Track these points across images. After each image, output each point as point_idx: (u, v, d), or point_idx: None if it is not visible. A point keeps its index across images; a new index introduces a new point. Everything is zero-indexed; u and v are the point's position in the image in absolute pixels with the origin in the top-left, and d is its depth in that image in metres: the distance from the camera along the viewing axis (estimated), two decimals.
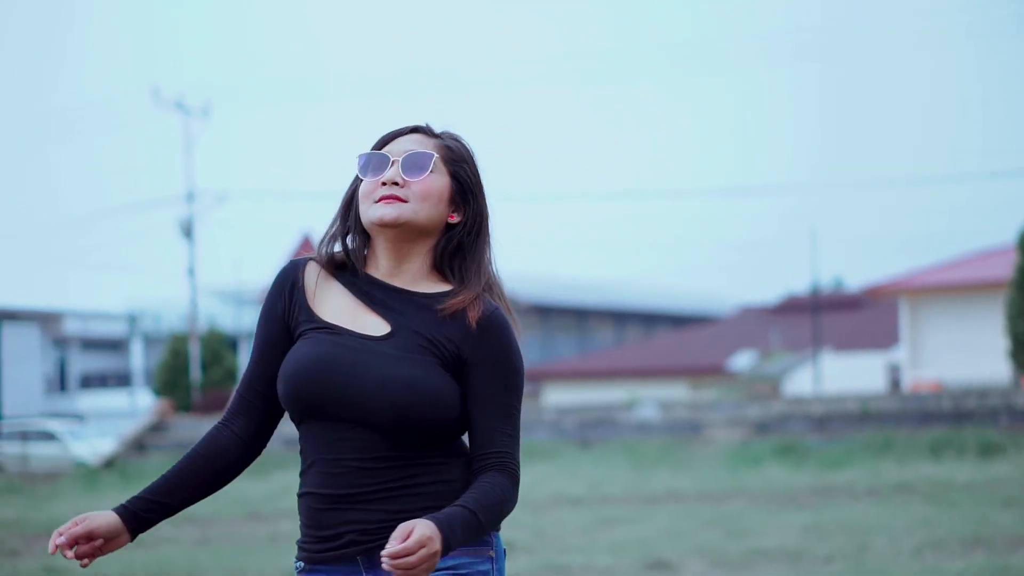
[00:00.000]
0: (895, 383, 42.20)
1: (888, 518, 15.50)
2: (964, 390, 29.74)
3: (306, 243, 63.22)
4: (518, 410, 3.43)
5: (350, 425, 3.31)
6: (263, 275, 66.98)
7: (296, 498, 3.44)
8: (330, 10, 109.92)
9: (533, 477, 24.05)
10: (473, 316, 3.38)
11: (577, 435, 29.98)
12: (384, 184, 3.37)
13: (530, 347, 66.48)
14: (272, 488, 24.63)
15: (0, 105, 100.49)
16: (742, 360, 49.04)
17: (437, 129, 3.52)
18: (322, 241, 3.48)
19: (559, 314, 69.54)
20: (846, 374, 43.12)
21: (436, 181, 3.41)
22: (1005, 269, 36.84)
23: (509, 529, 15.95)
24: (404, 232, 3.39)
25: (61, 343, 62.52)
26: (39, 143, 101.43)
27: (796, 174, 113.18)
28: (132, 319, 62.26)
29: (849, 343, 49.75)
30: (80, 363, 63.31)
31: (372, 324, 3.38)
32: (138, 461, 30.83)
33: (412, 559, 3.08)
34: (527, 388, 55.22)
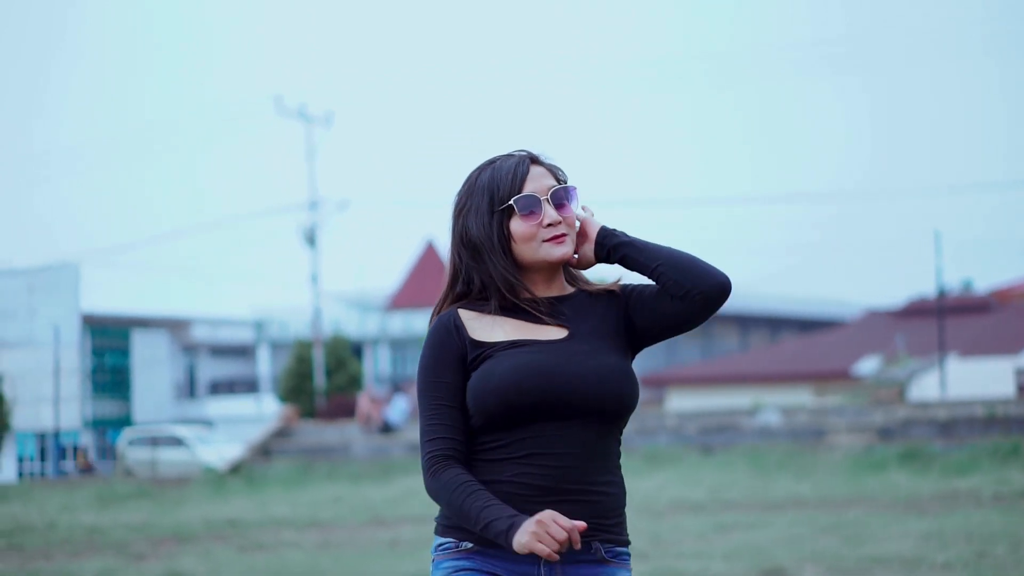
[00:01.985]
0: (1023, 388, 41.45)
1: (1012, 526, 15.28)
2: None
3: (430, 250, 63.67)
4: None
5: (568, 422, 3.59)
6: (387, 281, 67.46)
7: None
8: (444, 18, 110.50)
9: (653, 483, 24.01)
10: (614, 287, 3.80)
11: (699, 441, 29.87)
12: (550, 226, 3.67)
13: (653, 352, 66.28)
14: (394, 493, 24.82)
15: (127, 112, 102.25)
16: (867, 365, 48.45)
17: (533, 152, 3.79)
18: (458, 294, 3.75)
19: None
20: (973, 379, 42.45)
21: (576, 208, 3.75)
22: None
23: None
24: (570, 260, 3.75)
25: (190, 350, 63.42)
26: (165, 151, 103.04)
27: (921, 176, 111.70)
28: (259, 326, 63.01)
29: (976, 347, 49.00)
30: (209, 369, 64.17)
31: (549, 332, 3.68)
32: (263, 467, 31.21)
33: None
34: (650, 394, 55.09)
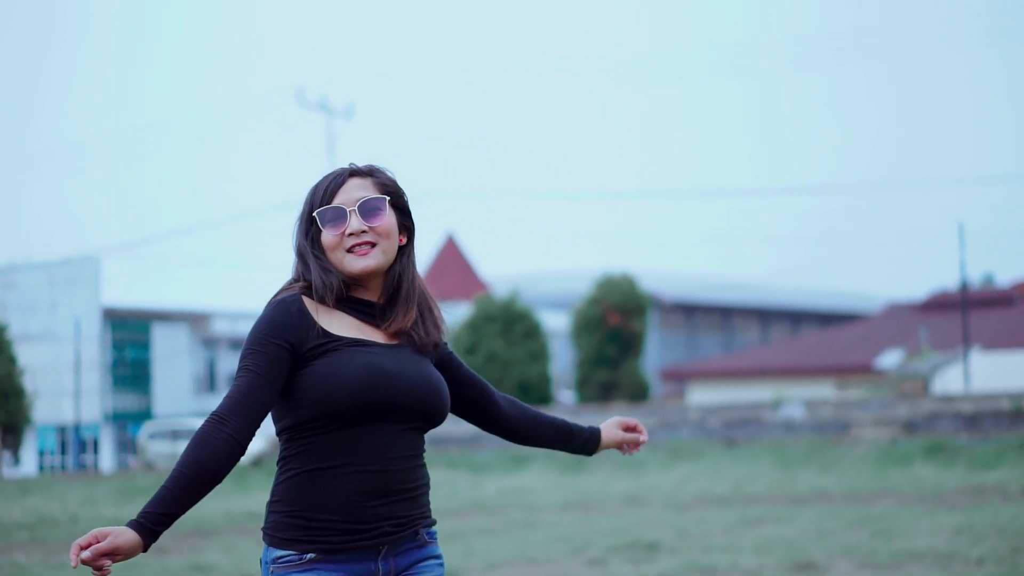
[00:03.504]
0: None
1: None
2: None
3: (450, 243, 63.58)
4: None
5: (402, 425, 3.77)
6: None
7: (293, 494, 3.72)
8: (464, 9, 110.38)
9: (677, 477, 23.89)
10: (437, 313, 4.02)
11: (722, 434, 29.73)
12: (352, 235, 3.82)
13: (674, 346, 66.13)
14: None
15: (146, 105, 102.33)
16: (890, 358, 48.26)
17: (360, 165, 3.96)
18: (301, 284, 3.87)
19: (704, 313, 69.07)
20: (997, 373, 42.25)
21: (390, 219, 3.87)
22: None
23: (652, 529, 15.82)
24: (378, 273, 3.87)
25: (210, 343, 63.42)
26: (186, 144, 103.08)
27: (941, 167, 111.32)
28: None
29: (1000, 341, 48.76)
30: (228, 362, 64.17)
31: (376, 334, 3.85)
32: None
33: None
34: (672, 387, 54.91)
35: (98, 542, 3.45)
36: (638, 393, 35.82)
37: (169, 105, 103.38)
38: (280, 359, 3.71)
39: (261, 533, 3.89)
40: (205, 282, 61.29)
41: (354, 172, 3.93)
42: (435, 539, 3.93)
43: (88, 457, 56.52)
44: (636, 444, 4.47)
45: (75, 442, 53.38)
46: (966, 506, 17.78)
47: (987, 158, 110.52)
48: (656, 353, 60.83)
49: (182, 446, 40.87)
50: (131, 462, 51.47)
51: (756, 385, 48.96)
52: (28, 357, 40.74)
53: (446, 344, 4.08)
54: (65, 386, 49.50)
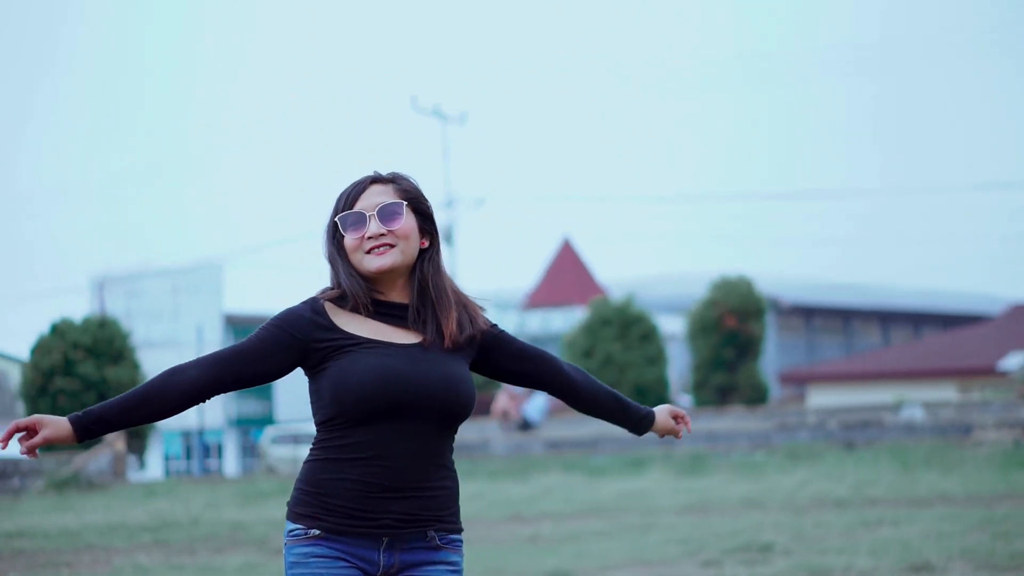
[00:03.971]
0: None
1: None
2: None
3: (566, 247, 63.59)
4: None
5: (415, 425, 3.98)
6: (522, 280, 67.45)
7: (320, 475, 4.03)
8: (576, 14, 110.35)
9: (795, 479, 23.71)
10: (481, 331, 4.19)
11: (841, 437, 29.49)
12: (370, 238, 4.05)
13: (793, 349, 65.62)
14: (534, 490, 24.76)
15: (269, 113, 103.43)
16: (1014, 360, 47.56)
17: (384, 173, 4.18)
18: (330, 289, 4.13)
19: (823, 316, 68.46)
20: None
21: (409, 222, 4.09)
22: None
23: (768, 531, 15.73)
24: (397, 272, 4.08)
25: None
26: (306, 149, 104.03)
27: None
28: None
29: None
30: None
31: (401, 336, 4.06)
32: None
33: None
34: (791, 390, 54.50)
35: (35, 431, 3.90)
36: (756, 396, 35.63)
37: (286, 112, 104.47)
38: (279, 344, 4.04)
39: None
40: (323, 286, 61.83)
41: (376, 179, 4.18)
42: (454, 547, 4.11)
43: (212, 462, 57.27)
44: (677, 433, 4.56)
45: (199, 447, 54.10)
46: None
47: None
48: (774, 356, 60.36)
49: (303, 450, 41.25)
50: (255, 467, 52.05)
51: (876, 388, 48.45)
52: (152, 364, 41.38)
53: (494, 326, 4.25)
54: None
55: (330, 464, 4.02)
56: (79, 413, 3.98)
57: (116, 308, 51.09)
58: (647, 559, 13.72)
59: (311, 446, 4.13)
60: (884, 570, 11.55)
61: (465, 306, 4.18)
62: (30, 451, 3.92)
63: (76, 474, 30.96)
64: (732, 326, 34.86)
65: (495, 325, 4.26)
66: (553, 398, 37.10)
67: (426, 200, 4.22)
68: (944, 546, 13.09)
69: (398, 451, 3.98)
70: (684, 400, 42.36)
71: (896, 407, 29.93)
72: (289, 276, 61.62)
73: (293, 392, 59.92)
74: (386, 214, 4.08)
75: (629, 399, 4.49)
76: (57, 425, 3.94)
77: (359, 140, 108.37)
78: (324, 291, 4.14)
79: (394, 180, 4.17)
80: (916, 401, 30.78)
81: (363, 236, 4.07)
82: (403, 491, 3.99)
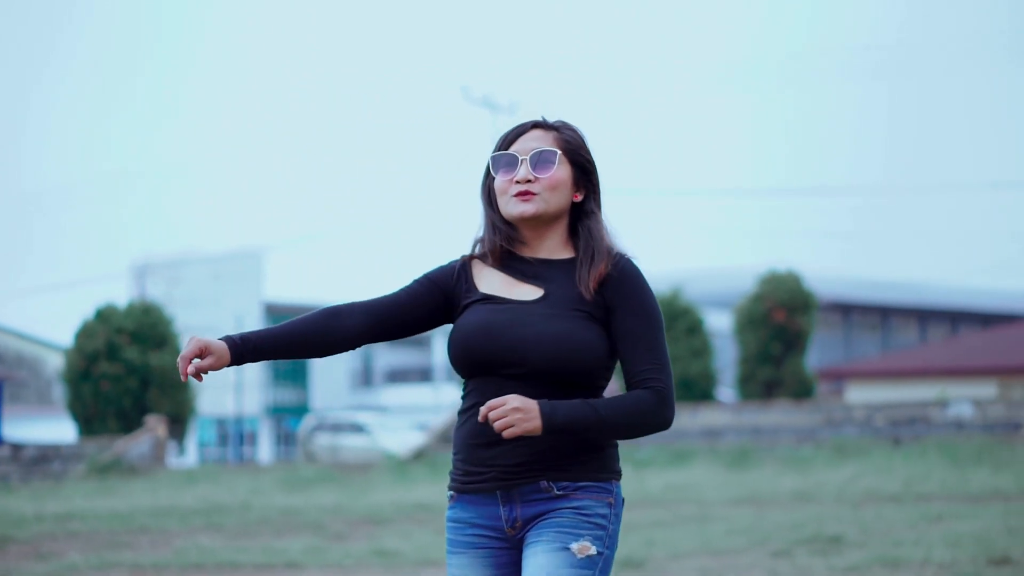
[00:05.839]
0: None
1: None
2: None
3: None
4: (663, 342, 4.02)
5: (510, 377, 3.93)
6: None
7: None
8: (623, 9, 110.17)
9: (845, 474, 23.58)
10: (608, 268, 4.00)
11: (888, 433, 29.32)
12: (518, 182, 3.99)
13: (830, 345, 65.40)
14: None
15: (315, 103, 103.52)
16: None
17: (551, 120, 4.11)
18: (479, 241, 4.13)
19: (861, 312, 68.21)
20: None
21: (561, 172, 4.02)
22: None
23: (831, 523, 15.61)
24: (541, 220, 4.02)
25: None
26: (352, 139, 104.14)
27: None
28: None
29: None
30: (385, 357, 64.71)
31: (526, 292, 4.00)
32: (446, 453, 31.27)
33: (503, 409, 3.81)
34: (829, 387, 54.32)
35: (199, 355, 3.95)
36: (802, 391, 35.48)
37: (333, 103, 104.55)
38: (429, 293, 4.10)
39: (443, 520, 4.25)
40: (365, 277, 61.85)
41: (537, 124, 4.10)
42: (585, 492, 3.94)
43: (247, 449, 57.35)
44: None
45: (235, 434, 54.23)
46: None
47: None
48: (812, 352, 60.16)
49: (343, 439, 41.32)
50: (293, 454, 52.13)
51: (916, 385, 48.17)
52: None
53: (621, 283, 4.00)
54: (227, 380, 50.24)
55: (458, 421, 4.09)
56: (236, 338, 4.03)
57: (156, 295, 51.18)
58: (716, 548, 13.62)
59: None
60: (964, 563, 11.43)
61: (595, 263, 4.02)
62: (197, 374, 3.97)
63: (117, 459, 31.02)
64: (780, 320, 34.74)
65: (621, 283, 4.01)
66: None
67: (588, 153, 4.10)
68: (1018, 540, 12.97)
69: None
70: (727, 395, 42.26)
71: (943, 403, 29.73)
72: (329, 266, 61.46)
73: (329, 381, 59.98)
74: (538, 160, 4.01)
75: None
76: (219, 352, 3.98)
77: (407, 130, 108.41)
78: (474, 246, 4.16)
79: (557, 128, 4.09)
80: (964, 397, 30.57)
81: (511, 179, 4.02)
82: (504, 441, 3.93)
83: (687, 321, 34.94)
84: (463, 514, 4.04)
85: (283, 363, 58.27)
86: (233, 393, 49.08)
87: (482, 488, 3.99)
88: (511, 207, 4.01)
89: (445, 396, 56.75)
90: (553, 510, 3.94)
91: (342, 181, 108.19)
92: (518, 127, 4.10)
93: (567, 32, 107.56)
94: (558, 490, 3.93)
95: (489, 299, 4.02)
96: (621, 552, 13.16)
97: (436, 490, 23.92)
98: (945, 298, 72.14)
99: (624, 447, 19.87)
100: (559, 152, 4.02)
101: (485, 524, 4.02)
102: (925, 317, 72.13)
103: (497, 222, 4.06)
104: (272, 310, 55.64)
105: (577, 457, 3.95)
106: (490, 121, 38.59)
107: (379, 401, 61.40)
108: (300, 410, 57.66)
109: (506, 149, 4.05)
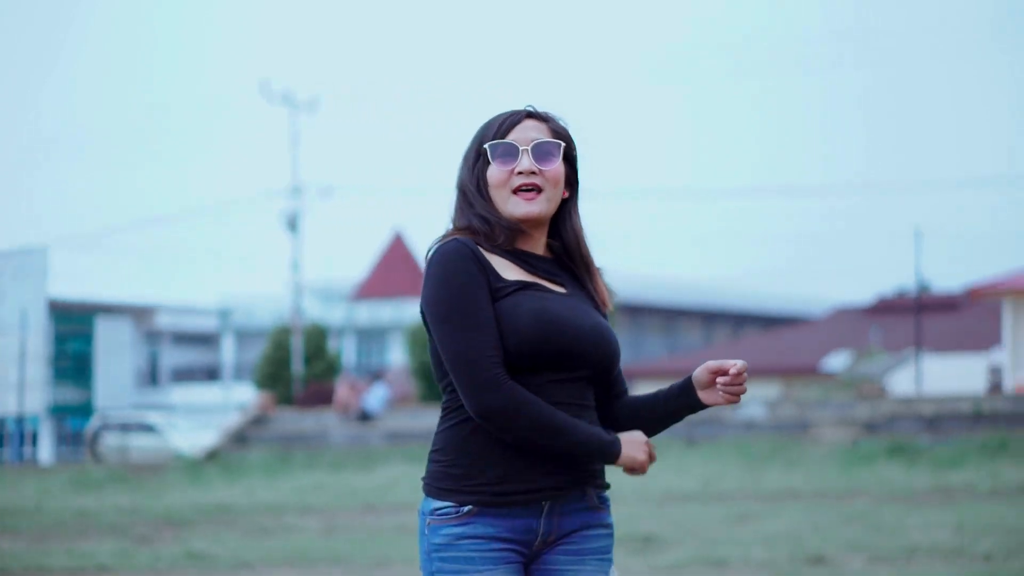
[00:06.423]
0: (996, 385, 41.60)
1: None
2: None
3: (398, 240, 63.36)
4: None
5: (570, 374, 3.64)
6: (353, 271, 67.08)
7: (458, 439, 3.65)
8: (432, 3, 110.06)
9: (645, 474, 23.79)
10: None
11: (682, 432, 29.76)
12: (520, 174, 3.69)
13: (620, 346, 66.22)
14: (378, 481, 24.62)
15: (108, 99, 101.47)
16: (837, 361, 48.60)
17: (540, 110, 3.82)
18: (465, 228, 3.74)
19: (648, 313, 69.28)
20: (945, 376, 42.60)
21: (559, 166, 3.74)
22: None
23: (641, 522, 15.78)
24: (541, 220, 3.73)
25: (153, 337, 62.96)
26: (137, 137, 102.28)
27: (898, 172, 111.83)
28: (224, 314, 62.60)
29: (946, 344, 49.21)
30: (171, 357, 63.75)
31: (549, 284, 3.71)
32: (240, 454, 30.90)
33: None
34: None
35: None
36: None
37: (120, 99, 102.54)
38: (490, 307, 3.63)
39: (422, 485, 3.73)
40: (151, 276, 60.91)
41: (531, 114, 3.80)
42: (607, 505, 3.77)
43: (28, 449, 55.97)
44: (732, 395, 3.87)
45: (16, 434, 52.81)
46: (940, 504, 17.86)
47: (944, 163, 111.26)
48: None
49: (133, 440, 40.57)
50: (77, 455, 51.03)
51: None
52: None
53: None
54: (9, 378, 49.02)
55: (477, 425, 3.62)
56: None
57: None
58: None
59: (444, 409, 3.72)
60: (782, 562, 11.64)
61: (597, 274, 3.85)
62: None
63: None
64: None
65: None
66: (393, 389, 36.77)
67: (575, 150, 3.84)
68: (829, 539, 13.25)
69: (559, 399, 3.63)
70: None
71: (736, 403, 30.29)
72: (113, 263, 60.40)
73: (113, 380, 58.83)
74: (541, 152, 3.73)
75: (659, 392, 3.93)
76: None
77: (202, 124, 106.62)
78: (451, 232, 3.76)
79: (548, 120, 3.81)
80: (755, 398, 31.21)
81: (512, 170, 3.71)
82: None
83: None
84: (486, 530, 3.61)
85: (64, 360, 57.00)
86: (15, 392, 47.82)
87: (528, 500, 3.63)
88: (515, 206, 3.70)
89: (235, 396, 56.08)
90: (589, 526, 3.70)
91: (129, 178, 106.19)
92: (510, 115, 3.78)
93: (374, 24, 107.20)
94: (597, 500, 3.72)
95: (528, 286, 3.67)
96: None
97: (234, 491, 23.62)
98: (729, 301, 73.65)
99: (420, 446, 19.68)
100: (561, 144, 3.76)
101: (515, 538, 3.66)
102: (710, 319, 73.58)
103: (492, 216, 3.71)
104: (56, 307, 54.42)
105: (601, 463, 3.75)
106: (289, 117, 38.20)
107: (166, 400, 60.45)
108: (83, 409, 56.39)
109: (502, 138, 3.74)
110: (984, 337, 48.30)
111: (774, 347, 55.79)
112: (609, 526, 3.76)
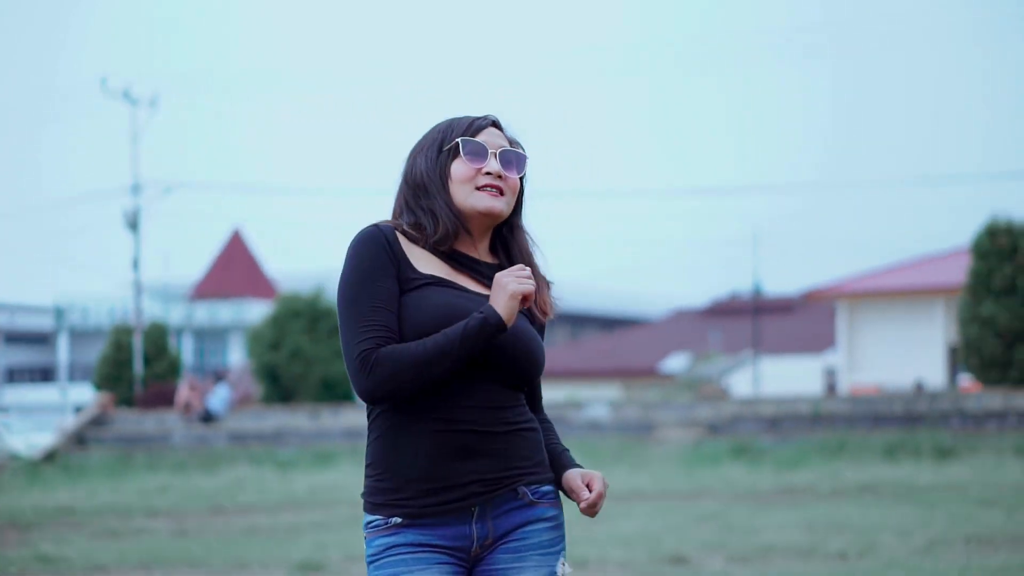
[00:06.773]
0: (831, 387, 42.48)
1: (879, 517, 15.52)
2: (913, 394, 30.01)
3: (236, 238, 62.71)
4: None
5: (487, 376, 3.65)
6: (192, 270, 66.27)
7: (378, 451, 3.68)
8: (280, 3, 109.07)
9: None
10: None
11: None
12: (488, 174, 3.75)
13: None
14: (224, 482, 24.39)
15: None
16: (676, 362, 49.19)
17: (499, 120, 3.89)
18: (403, 214, 3.81)
19: None
20: (781, 377, 43.36)
21: (518, 178, 3.82)
22: (943, 275, 37.21)
23: None
24: (496, 221, 3.80)
25: None
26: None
27: (734, 175, 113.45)
28: (59, 313, 61.47)
29: (781, 347, 50.07)
30: (3, 356, 62.46)
31: (471, 285, 3.75)
32: (79, 455, 30.38)
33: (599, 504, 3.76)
34: None
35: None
36: None
37: None
38: (395, 292, 3.68)
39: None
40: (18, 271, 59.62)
41: (496, 124, 3.89)
42: (549, 500, 3.76)
43: None
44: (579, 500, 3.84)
45: None
46: (786, 504, 18.16)
47: (779, 167, 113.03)
48: None
49: None
50: None
51: (544, 387, 49.30)
52: None
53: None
54: None
55: (397, 436, 3.66)
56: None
57: None
58: None
59: (369, 420, 3.73)
60: (642, 562, 11.74)
61: (548, 284, 3.91)
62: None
63: None
64: None
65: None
66: (235, 390, 36.40)
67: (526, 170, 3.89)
68: (684, 539, 13.40)
69: (470, 404, 3.64)
70: None
71: (580, 405, 30.53)
72: None
73: None
74: (507, 159, 3.80)
75: (558, 448, 3.94)
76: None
77: (41, 121, 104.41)
78: (397, 222, 3.81)
79: (503, 128, 3.89)
80: (599, 399, 31.46)
81: (480, 169, 3.76)
82: (481, 449, 3.63)
83: (330, 322, 34.88)
84: (417, 538, 3.66)
85: None
86: None
87: (456, 508, 3.66)
88: (478, 200, 3.74)
89: (72, 396, 55.08)
90: (528, 522, 3.71)
91: None
92: (476, 120, 3.84)
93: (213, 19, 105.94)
94: (532, 496, 3.72)
95: (442, 283, 3.71)
96: (296, 556, 13.02)
97: (76, 493, 23.21)
98: (567, 301, 74.07)
99: (266, 447, 19.37)
100: (525, 159, 3.84)
101: (448, 545, 3.69)
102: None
103: (443, 209, 3.74)
104: None
105: (540, 455, 3.76)
106: (129, 114, 37.61)
107: None
108: None
109: (472, 137, 3.80)
110: (819, 340, 49.26)
111: (614, 349, 56.28)
112: (552, 519, 3.76)
